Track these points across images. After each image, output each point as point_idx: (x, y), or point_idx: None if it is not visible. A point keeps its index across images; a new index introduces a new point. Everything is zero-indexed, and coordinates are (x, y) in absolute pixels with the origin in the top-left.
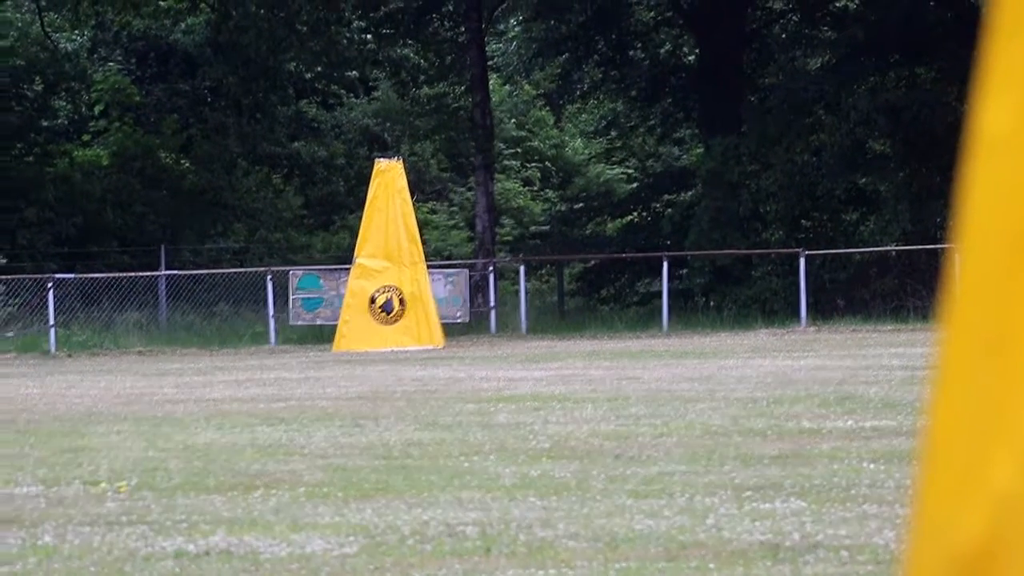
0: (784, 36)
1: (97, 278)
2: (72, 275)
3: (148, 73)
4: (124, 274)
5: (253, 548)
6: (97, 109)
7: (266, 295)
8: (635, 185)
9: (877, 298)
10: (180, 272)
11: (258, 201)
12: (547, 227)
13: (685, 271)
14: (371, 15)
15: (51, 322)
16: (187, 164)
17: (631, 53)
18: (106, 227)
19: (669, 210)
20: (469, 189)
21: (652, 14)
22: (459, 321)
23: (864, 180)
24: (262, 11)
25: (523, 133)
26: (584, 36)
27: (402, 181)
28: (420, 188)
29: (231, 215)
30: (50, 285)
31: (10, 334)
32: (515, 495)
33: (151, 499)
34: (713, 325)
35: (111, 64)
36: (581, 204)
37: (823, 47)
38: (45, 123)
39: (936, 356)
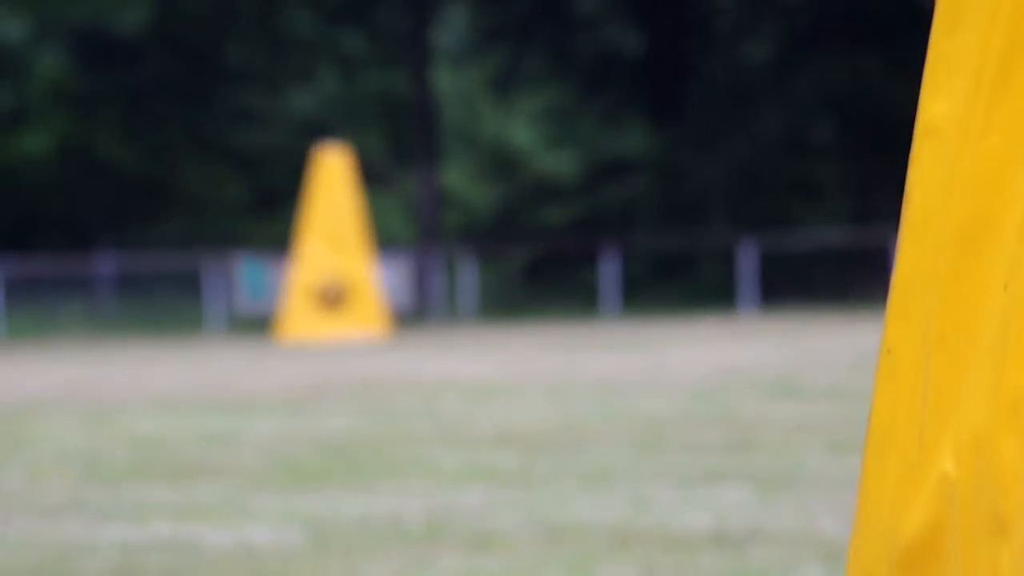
0: (729, 26)
1: (40, 266)
2: (15, 263)
3: (90, 62)
4: (68, 262)
5: (198, 537)
6: (39, 98)
7: (210, 283)
8: (579, 174)
9: (821, 286)
10: (124, 260)
11: (201, 189)
12: (492, 215)
13: (630, 259)
14: (315, 3)
15: None
16: (130, 153)
17: (576, 42)
18: (49, 215)
19: (614, 199)
20: (413, 177)
21: (597, 3)
22: (404, 309)
23: (808, 169)
24: None
25: (467, 121)
26: (529, 25)
27: (346, 169)
28: (364, 176)
29: (174, 203)
30: None
31: None
32: (460, 483)
33: (95, 488)
34: (657, 313)
35: (53, 53)
36: (525, 192)
37: (768, 37)
38: None
39: (880, 344)
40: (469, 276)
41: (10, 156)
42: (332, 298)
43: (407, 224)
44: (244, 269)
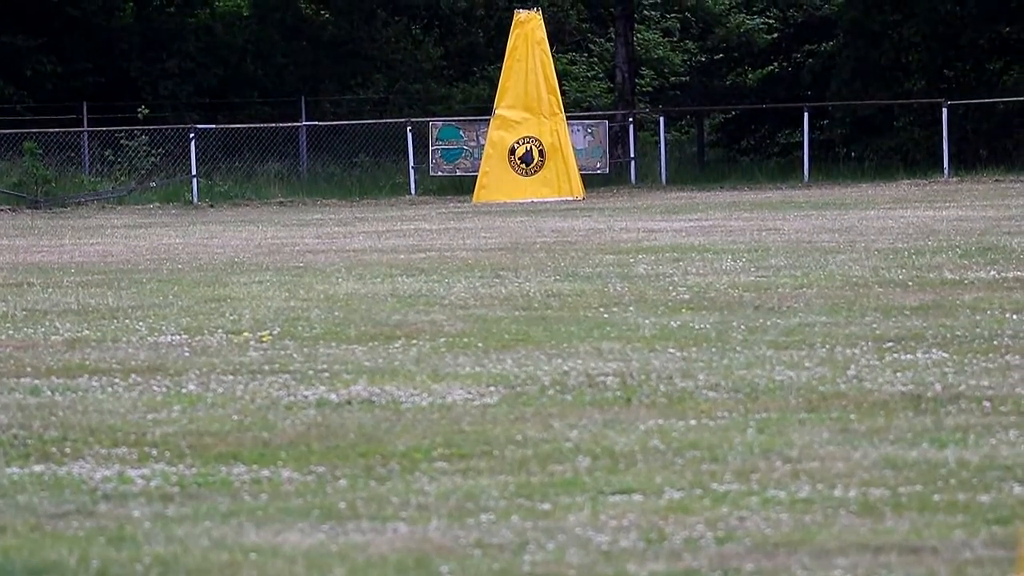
0: None
1: (238, 129)
2: (213, 126)
3: None
4: (265, 125)
5: (394, 397)
6: None
7: (406, 146)
8: (776, 35)
9: (1020, 148)
10: (320, 123)
11: (397, 52)
12: (687, 78)
13: (826, 122)
14: None
15: (193, 172)
16: (326, 15)
17: None
18: (247, 78)
19: (810, 60)
20: (609, 40)
21: None
22: (598, 172)
23: (1008, 29)
24: None
25: None
26: None
27: (541, 32)
28: (559, 39)
29: (370, 66)
30: (192, 136)
31: (153, 184)
32: (655, 346)
33: (293, 348)
34: (854, 176)
35: None
36: (721, 55)
37: None
38: None
39: None
40: (663, 138)
41: (209, 17)
42: (527, 161)
43: (601, 87)
44: (439, 132)
